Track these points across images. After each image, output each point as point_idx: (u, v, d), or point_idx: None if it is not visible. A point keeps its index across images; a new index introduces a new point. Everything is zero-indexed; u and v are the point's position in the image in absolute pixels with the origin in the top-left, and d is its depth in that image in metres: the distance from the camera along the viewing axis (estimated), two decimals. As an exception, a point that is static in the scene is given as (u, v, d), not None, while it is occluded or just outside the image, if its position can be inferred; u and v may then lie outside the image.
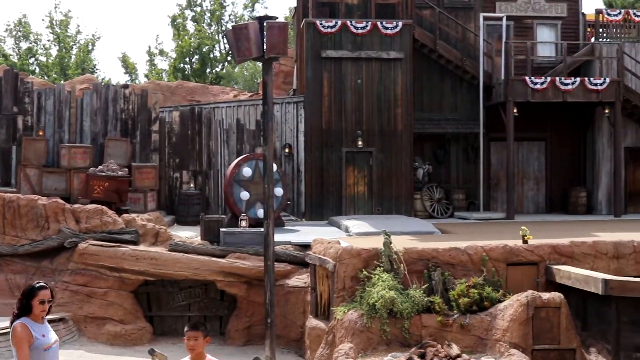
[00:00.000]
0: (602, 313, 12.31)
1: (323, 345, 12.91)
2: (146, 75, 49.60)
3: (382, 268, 12.65)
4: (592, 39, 24.35)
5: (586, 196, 23.46)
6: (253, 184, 18.52)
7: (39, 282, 6.55)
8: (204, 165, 22.33)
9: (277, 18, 12.74)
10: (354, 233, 17.16)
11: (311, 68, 21.68)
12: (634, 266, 13.88)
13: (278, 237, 15.68)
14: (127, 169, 20.48)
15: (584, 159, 24.22)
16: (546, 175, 24.25)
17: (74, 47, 49.13)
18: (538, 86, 21.67)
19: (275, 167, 18.20)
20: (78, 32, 49.80)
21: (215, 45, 47.91)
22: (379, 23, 21.73)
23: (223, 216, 18.74)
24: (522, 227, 13.92)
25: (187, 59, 46.90)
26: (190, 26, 48.01)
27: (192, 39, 46.75)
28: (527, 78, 21.73)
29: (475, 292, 12.34)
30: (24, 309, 6.34)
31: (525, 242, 13.59)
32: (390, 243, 12.80)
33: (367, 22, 21.71)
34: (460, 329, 12.14)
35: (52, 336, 6.48)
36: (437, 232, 17.48)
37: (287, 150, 22.38)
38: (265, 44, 12.14)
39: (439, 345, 11.53)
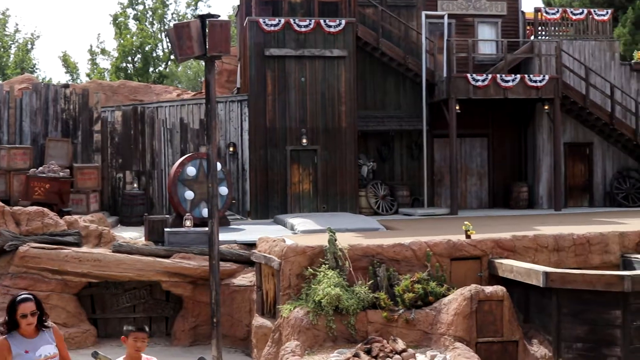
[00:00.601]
0: (543, 305, 12.56)
1: (270, 344, 12.91)
2: (88, 75, 48.87)
3: (327, 265, 12.71)
4: (532, 37, 24.77)
5: (527, 191, 23.87)
6: (197, 184, 18.40)
7: (22, 294, 6.19)
8: (148, 165, 22.10)
9: (219, 16, 12.66)
10: (299, 231, 17.17)
11: (255, 66, 21.61)
12: (573, 259, 14.20)
13: (223, 236, 15.61)
14: (68, 170, 20.14)
15: (525, 154, 24.65)
16: (489, 171, 24.61)
17: (13, 46, 48.12)
18: (479, 83, 21.97)
19: (219, 166, 18.11)
20: (17, 30, 48.83)
21: (158, 44, 47.44)
22: (322, 21, 21.78)
23: (167, 216, 18.58)
24: (465, 222, 14.11)
25: (130, 58, 46.33)
26: (132, 25, 47.45)
27: (135, 37, 46.20)
28: (468, 75, 22.01)
29: (419, 287, 12.47)
30: (10, 325, 6.10)
31: (468, 237, 13.78)
32: (335, 240, 12.86)
33: (310, 20, 21.74)
34: (406, 324, 12.26)
35: (44, 351, 6.14)
36: (381, 228, 17.60)
37: (231, 149, 22.29)
38: (207, 43, 12.06)
39: (385, 341, 11.61)
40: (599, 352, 11.90)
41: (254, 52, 21.62)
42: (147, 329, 6.49)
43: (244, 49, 22.98)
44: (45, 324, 6.21)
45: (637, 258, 14.28)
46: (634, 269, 13.79)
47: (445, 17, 23.55)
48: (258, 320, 13.94)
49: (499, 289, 12.39)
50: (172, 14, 48.29)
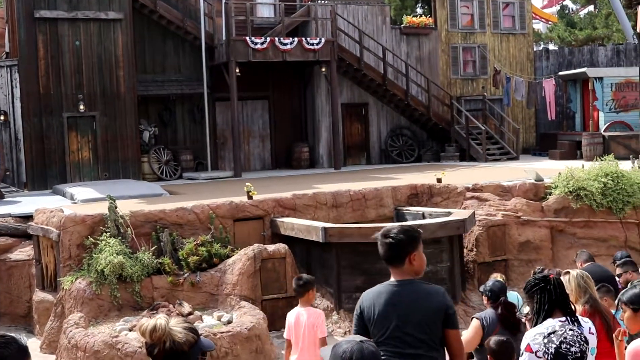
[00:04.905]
0: (324, 259, 13.08)
1: (52, 318, 12.49)
2: None
3: (108, 233, 12.44)
4: (309, 1, 25.31)
5: (308, 151, 24.59)
6: (-35, 155, 17.26)
7: None
8: None
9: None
10: (79, 200, 16.63)
11: (24, 29, 20.44)
12: (351, 214, 14.87)
13: (-4, 209, 14.81)
14: None
15: (305, 115, 25.32)
16: (271, 133, 25.03)
17: None
18: (259, 46, 22.19)
19: (-11, 135, 17.08)
20: None
21: None
22: (95, -18, 20.96)
23: None
24: (247, 184, 14.34)
25: None
26: None
27: None
28: (247, 38, 22.15)
29: (204, 250, 12.55)
30: None
31: (250, 197, 14.02)
32: (116, 207, 12.61)
33: (82, -19, 20.85)
34: (192, 287, 12.32)
35: None
36: (165, 193, 17.46)
37: (2, 117, 21.03)
38: (-34, 3, 11.29)
39: (171, 305, 11.62)
40: (375, 300, 12.60)
41: (22, 13, 20.43)
42: None
43: (12, 10, 21.63)
44: None
45: (409, 210, 15.23)
46: (405, 220, 14.70)
47: (223, -20, 23.48)
48: (39, 295, 13.41)
49: (281, 246, 12.75)
50: None
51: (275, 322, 12.21)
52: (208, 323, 11.00)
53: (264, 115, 24.97)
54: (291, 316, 7.81)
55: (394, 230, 4.85)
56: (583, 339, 5.01)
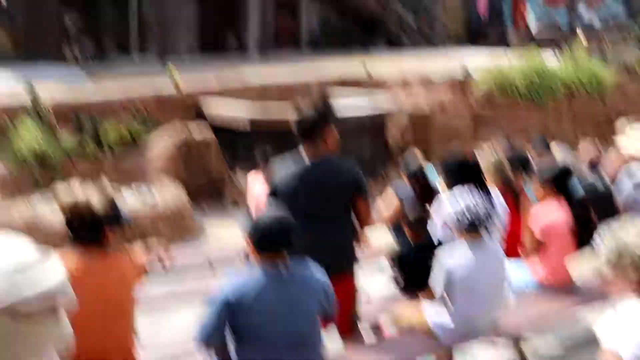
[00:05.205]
0: (249, 147, 13.04)
1: (-30, 201, 12.25)
2: None
3: (28, 118, 12.17)
4: None
5: (238, 40, 24.09)
6: None
7: None
8: None
9: None
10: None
11: None
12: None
13: None
14: None
15: (236, 3, 24.64)
16: (198, 20, 24.27)
17: None
18: None
19: None
20: None
21: None
22: None
23: None
24: (170, 68, 14.15)
25: None
26: None
27: None
28: None
29: (126, 131, 12.45)
30: None
31: (176, 87, 13.86)
32: (35, 92, 12.31)
33: None
34: (114, 167, 12.25)
35: None
36: (88, 80, 16.97)
37: None
38: None
39: (92, 184, 11.51)
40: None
41: None
42: None
43: None
44: None
45: (336, 100, 15.18)
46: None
47: None
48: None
49: (203, 128, 12.69)
50: None
51: (198, 199, 12.23)
52: (128, 200, 10.93)
53: (192, 2, 24.22)
54: None
55: (307, 107, 5.00)
56: (490, 203, 5.33)
